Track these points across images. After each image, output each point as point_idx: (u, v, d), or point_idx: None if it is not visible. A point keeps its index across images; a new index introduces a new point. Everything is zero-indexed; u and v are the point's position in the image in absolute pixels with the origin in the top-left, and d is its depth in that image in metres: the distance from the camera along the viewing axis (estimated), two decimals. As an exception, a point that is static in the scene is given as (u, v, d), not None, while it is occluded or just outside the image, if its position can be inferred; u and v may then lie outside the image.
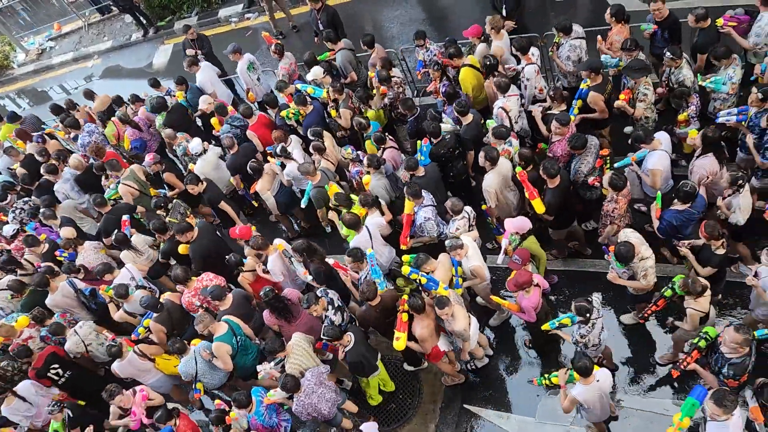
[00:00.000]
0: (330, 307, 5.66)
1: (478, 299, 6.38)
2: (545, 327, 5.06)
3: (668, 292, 4.76)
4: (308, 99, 7.45)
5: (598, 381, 4.46)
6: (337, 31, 8.94)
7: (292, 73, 8.41)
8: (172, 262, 7.06)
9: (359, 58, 8.40)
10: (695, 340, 4.41)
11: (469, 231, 5.83)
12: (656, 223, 5.28)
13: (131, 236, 7.20)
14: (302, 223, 8.14)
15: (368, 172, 6.47)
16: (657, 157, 5.41)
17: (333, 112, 7.48)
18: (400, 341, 5.20)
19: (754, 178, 5.67)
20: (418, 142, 6.50)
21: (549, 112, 6.33)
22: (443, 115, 7.04)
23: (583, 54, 6.81)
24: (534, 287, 5.21)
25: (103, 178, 8.13)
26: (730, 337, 4.15)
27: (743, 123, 5.29)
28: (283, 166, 7.17)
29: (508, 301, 5.54)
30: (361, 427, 5.12)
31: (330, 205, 6.51)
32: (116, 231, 7.17)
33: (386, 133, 6.92)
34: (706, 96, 6.07)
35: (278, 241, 6.35)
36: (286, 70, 8.37)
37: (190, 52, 9.39)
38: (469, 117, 6.39)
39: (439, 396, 6.15)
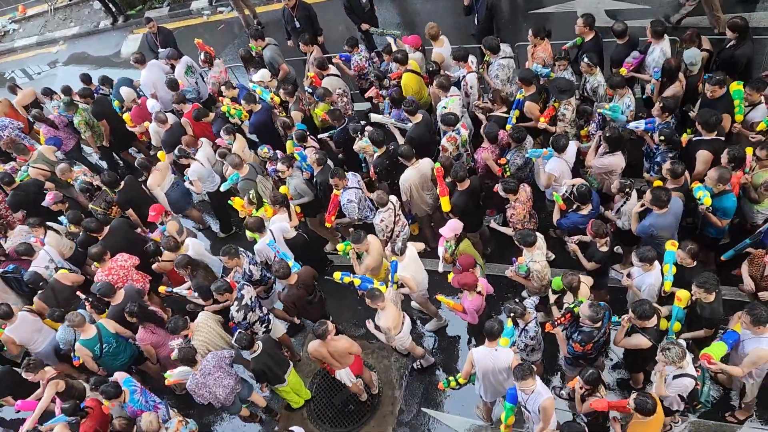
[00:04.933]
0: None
1: (413, 303, 7.35)
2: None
3: (576, 309, 5.51)
4: (257, 97, 8.46)
5: (496, 350, 5.46)
6: (315, 28, 10.11)
7: (222, 82, 9.31)
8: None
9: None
10: (571, 305, 5.57)
11: (396, 222, 6.89)
12: (556, 216, 6.47)
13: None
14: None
15: (283, 181, 7.54)
16: (555, 163, 6.61)
17: (282, 114, 8.53)
18: None
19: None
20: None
21: (491, 114, 7.52)
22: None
23: (511, 73, 7.97)
24: (477, 293, 6.05)
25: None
26: (583, 312, 5.33)
27: (649, 133, 6.51)
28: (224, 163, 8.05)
29: (453, 301, 6.32)
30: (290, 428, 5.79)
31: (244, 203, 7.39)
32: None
33: (308, 132, 7.98)
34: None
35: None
36: (216, 78, 9.40)
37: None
38: (419, 116, 7.46)
39: (397, 399, 7.00)
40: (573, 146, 6.77)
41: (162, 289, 7.10)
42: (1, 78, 15.55)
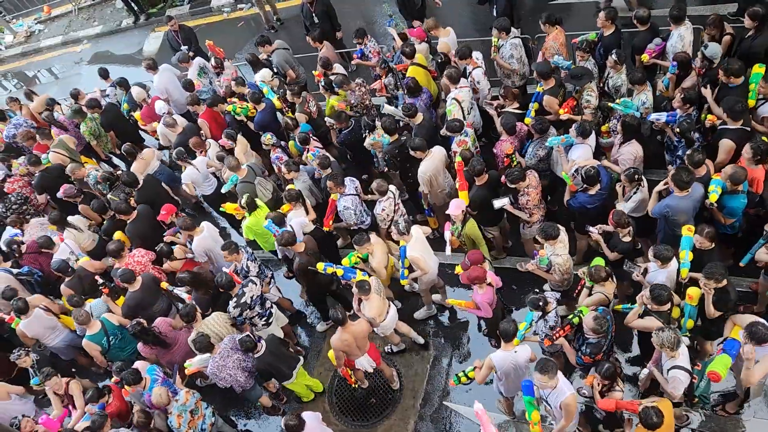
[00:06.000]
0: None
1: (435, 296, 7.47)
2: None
3: (576, 320, 5.50)
4: (262, 97, 8.60)
5: (515, 352, 5.52)
6: (333, 23, 10.30)
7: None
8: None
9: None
10: (570, 316, 5.58)
11: (395, 210, 7.07)
12: (567, 197, 6.52)
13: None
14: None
15: (291, 180, 7.67)
16: (581, 150, 6.64)
17: (289, 113, 8.63)
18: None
19: None
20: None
21: (503, 110, 7.54)
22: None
23: (523, 52, 8.05)
24: (487, 286, 6.12)
25: None
26: (587, 324, 5.35)
27: (670, 125, 6.51)
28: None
29: (464, 301, 6.39)
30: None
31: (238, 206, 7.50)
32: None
33: (311, 134, 8.10)
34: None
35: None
36: (227, 81, 9.57)
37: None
38: (419, 117, 7.54)
39: (419, 392, 7.05)
40: (593, 134, 6.82)
41: (164, 285, 7.25)
42: (29, 78, 16.09)
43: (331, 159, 7.77)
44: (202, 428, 6.32)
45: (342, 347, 6.23)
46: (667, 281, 5.59)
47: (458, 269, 6.29)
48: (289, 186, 7.67)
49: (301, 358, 6.91)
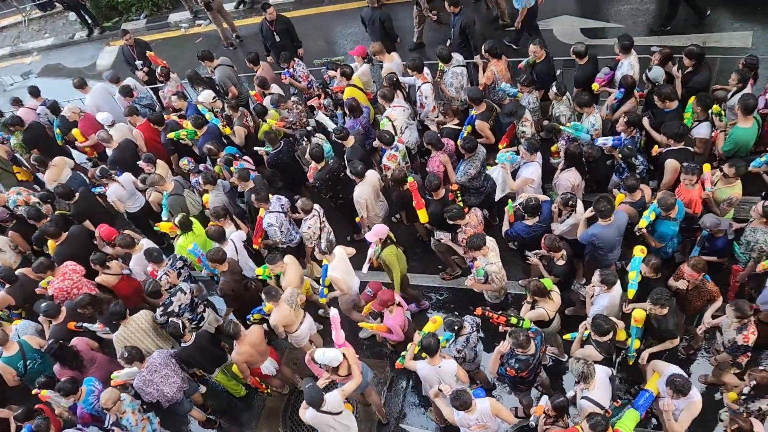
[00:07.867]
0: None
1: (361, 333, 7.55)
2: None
3: (513, 320, 5.73)
4: (206, 122, 8.58)
5: (440, 367, 5.61)
6: (294, 42, 10.46)
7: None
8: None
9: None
10: (512, 316, 5.81)
11: (321, 228, 7.22)
12: (506, 227, 6.70)
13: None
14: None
15: (206, 190, 7.77)
16: (533, 168, 6.90)
17: (227, 130, 8.67)
18: None
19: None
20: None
21: (444, 126, 7.86)
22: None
23: (464, 80, 8.38)
24: (396, 306, 6.30)
25: None
26: (509, 335, 5.49)
27: (617, 149, 6.81)
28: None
29: (375, 324, 6.51)
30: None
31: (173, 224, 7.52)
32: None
33: (237, 155, 8.21)
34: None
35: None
36: (171, 93, 9.60)
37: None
38: (351, 140, 7.73)
39: (375, 415, 6.94)
40: (539, 155, 7.07)
41: (71, 324, 6.96)
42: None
43: (255, 174, 7.93)
44: (153, 429, 6.33)
45: (243, 359, 6.35)
46: (610, 305, 5.78)
47: (368, 308, 6.46)
48: (205, 197, 7.76)
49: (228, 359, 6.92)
